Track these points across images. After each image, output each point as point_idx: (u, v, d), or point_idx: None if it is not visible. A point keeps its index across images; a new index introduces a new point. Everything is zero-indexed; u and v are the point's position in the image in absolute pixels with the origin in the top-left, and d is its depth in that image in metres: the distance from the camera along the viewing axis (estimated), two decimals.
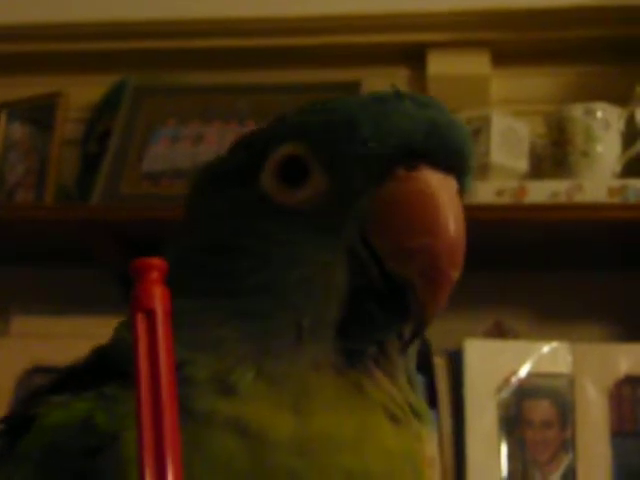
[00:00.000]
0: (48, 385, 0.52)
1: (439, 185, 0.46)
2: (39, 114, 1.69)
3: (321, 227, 0.48)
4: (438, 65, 1.62)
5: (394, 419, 0.48)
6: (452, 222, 0.46)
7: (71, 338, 1.50)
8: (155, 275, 0.39)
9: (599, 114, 1.44)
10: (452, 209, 0.46)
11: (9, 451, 0.48)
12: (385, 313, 0.47)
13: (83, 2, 1.74)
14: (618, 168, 1.45)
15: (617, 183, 1.39)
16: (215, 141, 1.57)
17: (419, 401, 0.51)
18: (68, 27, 1.71)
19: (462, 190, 0.49)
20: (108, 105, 1.69)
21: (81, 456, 0.44)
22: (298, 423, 0.45)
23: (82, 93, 1.72)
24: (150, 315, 0.39)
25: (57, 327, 1.52)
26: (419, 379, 0.53)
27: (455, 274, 0.46)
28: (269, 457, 0.44)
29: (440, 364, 1.33)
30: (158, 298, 0.39)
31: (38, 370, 1.48)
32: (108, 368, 0.48)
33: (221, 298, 0.48)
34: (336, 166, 0.48)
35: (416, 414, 0.50)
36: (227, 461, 0.44)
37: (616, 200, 1.36)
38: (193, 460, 0.41)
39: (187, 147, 1.57)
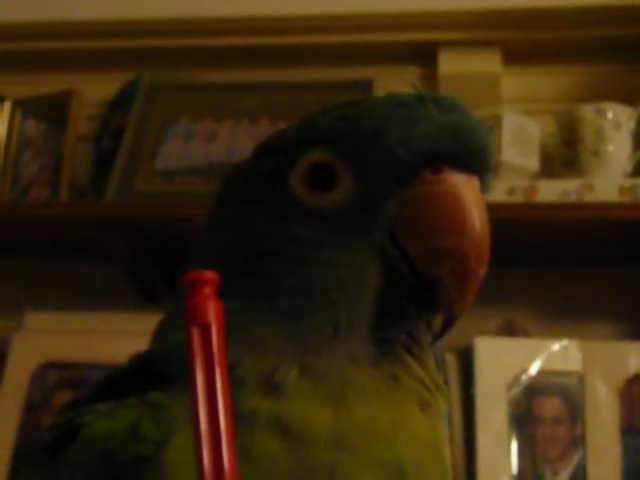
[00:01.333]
0: (90, 393, 0.52)
1: (464, 187, 0.48)
2: (53, 111, 1.70)
3: (351, 229, 0.49)
4: (449, 64, 1.63)
5: (425, 406, 0.50)
6: (478, 222, 0.47)
7: (85, 334, 1.51)
8: (208, 289, 0.40)
9: (610, 114, 1.44)
10: (477, 209, 0.48)
11: (53, 459, 0.49)
12: (415, 306, 0.49)
13: (97, 1, 1.76)
14: (629, 168, 1.46)
15: (627, 182, 1.40)
16: (227, 139, 1.58)
17: (442, 381, 0.53)
18: (82, 25, 1.73)
19: (484, 188, 0.50)
20: (121, 102, 1.70)
21: (130, 465, 0.45)
22: (338, 417, 0.47)
23: (96, 90, 1.73)
24: (205, 329, 0.39)
25: (71, 323, 1.53)
26: None
27: (482, 271, 0.48)
28: (310, 453, 0.45)
29: (451, 362, 1.34)
30: (212, 312, 0.40)
31: (52, 365, 1.49)
32: (149, 374, 0.49)
33: (259, 300, 0.49)
34: (365, 171, 0.50)
35: (442, 392, 0.52)
36: (270, 459, 0.45)
37: (626, 199, 1.37)
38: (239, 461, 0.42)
39: (200, 145, 1.58)
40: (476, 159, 0.49)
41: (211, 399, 0.38)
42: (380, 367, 0.49)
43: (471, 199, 0.48)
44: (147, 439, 0.46)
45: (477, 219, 0.47)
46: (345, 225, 0.49)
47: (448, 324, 0.50)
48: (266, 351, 0.48)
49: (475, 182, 0.49)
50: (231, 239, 0.52)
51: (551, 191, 1.39)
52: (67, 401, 0.54)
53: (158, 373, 0.49)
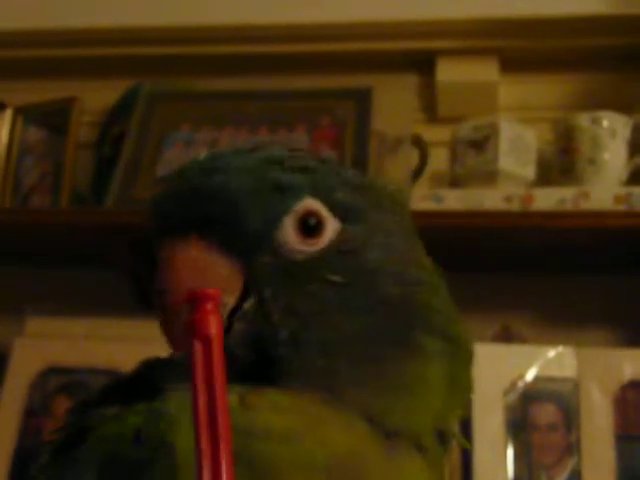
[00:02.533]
0: (96, 396, 0.55)
1: (174, 251, 0.52)
2: (54, 119, 1.71)
3: None
4: (447, 72, 1.64)
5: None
6: (175, 279, 0.51)
7: (85, 339, 1.53)
8: (210, 305, 0.44)
9: (605, 122, 1.45)
10: (182, 267, 0.51)
11: (61, 460, 0.51)
12: None
13: (98, 8, 1.77)
14: (624, 176, 1.47)
15: (623, 191, 1.41)
16: (227, 146, 1.59)
17: None
18: (83, 33, 1.74)
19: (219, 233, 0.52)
20: (122, 109, 1.71)
21: (136, 467, 0.46)
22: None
23: (96, 98, 1.74)
24: (207, 342, 0.43)
25: (71, 328, 1.55)
26: None
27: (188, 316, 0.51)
28: None
29: None
30: (214, 326, 0.44)
31: (52, 370, 1.50)
32: (155, 380, 0.51)
33: None
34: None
35: None
36: None
37: (622, 207, 1.38)
38: None
39: (200, 152, 1.58)
40: (187, 221, 0.52)
41: (211, 403, 0.41)
42: None
43: (176, 261, 0.51)
44: (151, 443, 0.47)
45: (176, 277, 0.51)
46: None
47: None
48: None
49: (188, 242, 0.52)
50: None
51: (547, 199, 1.40)
52: (75, 403, 0.56)
53: (163, 379, 0.51)
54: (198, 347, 0.43)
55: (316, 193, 0.53)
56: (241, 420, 0.46)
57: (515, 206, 1.40)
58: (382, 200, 0.56)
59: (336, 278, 0.52)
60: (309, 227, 0.52)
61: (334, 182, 0.54)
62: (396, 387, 0.52)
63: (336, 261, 0.52)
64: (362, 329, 0.51)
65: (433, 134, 1.61)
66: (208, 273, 0.51)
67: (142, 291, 1.59)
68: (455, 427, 0.57)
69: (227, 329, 0.50)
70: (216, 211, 0.52)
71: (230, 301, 0.51)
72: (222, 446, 0.40)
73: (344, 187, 0.54)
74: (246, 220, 0.51)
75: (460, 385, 0.56)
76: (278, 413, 0.48)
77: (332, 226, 0.53)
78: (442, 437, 0.55)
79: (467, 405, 0.58)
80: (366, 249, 0.53)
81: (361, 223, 0.54)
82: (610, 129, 1.45)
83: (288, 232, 0.52)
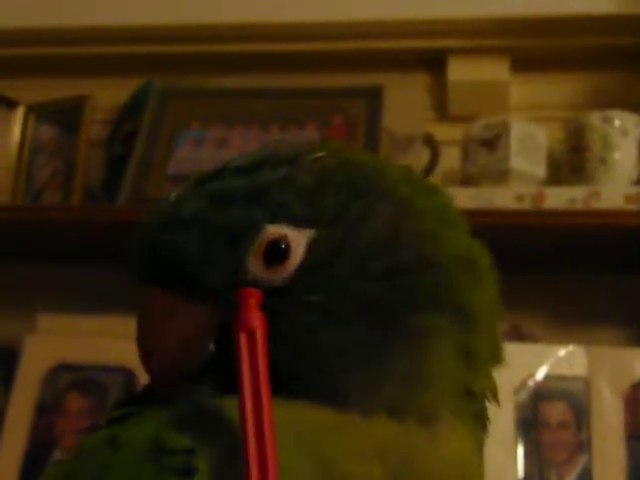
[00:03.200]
0: (130, 395, 0.56)
1: (142, 298, 0.52)
2: (66, 116, 1.71)
3: None
4: (458, 71, 1.64)
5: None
6: (141, 328, 0.52)
7: (97, 336, 1.53)
8: (253, 301, 0.48)
9: (617, 122, 1.45)
10: (146, 318, 0.52)
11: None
12: None
13: (110, 7, 1.78)
14: (635, 175, 1.47)
15: (634, 190, 1.41)
16: (238, 144, 1.59)
17: None
18: (94, 31, 1.75)
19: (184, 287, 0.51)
20: (133, 107, 1.71)
21: (154, 472, 0.46)
22: None
23: (108, 96, 1.75)
24: (251, 334, 0.47)
25: (82, 325, 1.55)
26: None
27: (153, 365, 0.52)
28: None
29: None
30: (257, 320, 0.47)
31: (63, 367, 1.50)
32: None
33: None
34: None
35: None
36: None
37: (633, 207, 1.38)
38: None
39: (211, 150, 1.59)
40: (151, 274, 0.52)
41: (256, 392, 0.45)
42: None
43: (141, 307, 0.52)
44: (166, 448, 0.47)
45: (139, 322, 0.52)
46: None
47: None
48: None
49: (153, 292, 0.52)
50: None
51: (558, 198, 1.40)
52: (120, 398, 0.58)
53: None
54: (244, 339, 0.47)
55: (274, 217, 0.50)
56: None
57: (526, 205, 1.40)
58: (357, 181, 0.52)
59: (314, 298, 0.49)
60: (275, 256, 0.50)
61: (291, 195, 0.51)
62: (406, 377, 0.50)
63: (311, 278, 0.50)
64: (356, 336, 0.49)
65: (444, 133, 1.61)
66: (173, 320, 0.51)
67: None
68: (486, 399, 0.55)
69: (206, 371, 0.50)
70: (174, 269, 0.50)
71: (207, 345, 0.50)
72: (267, 435, 0.44)
73: (304, 195, 0.51)
74: (206, 278, 0.50)
75: (480, 355, 0.53)
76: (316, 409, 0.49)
77: (300, 242, 0.50)
78: (476, 411, 0.54)
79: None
80: (343, 252, 0.50)
81: (333, 223, 0.51)
82: (621, 128, 1.45)
83: (254, 269, 0.50)
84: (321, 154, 0.54)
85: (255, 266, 0.50)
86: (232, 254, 0.50)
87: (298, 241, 0.50)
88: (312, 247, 0.50)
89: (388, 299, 0.50)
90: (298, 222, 0.50)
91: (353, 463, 0.47)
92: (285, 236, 0.50)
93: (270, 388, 0.45)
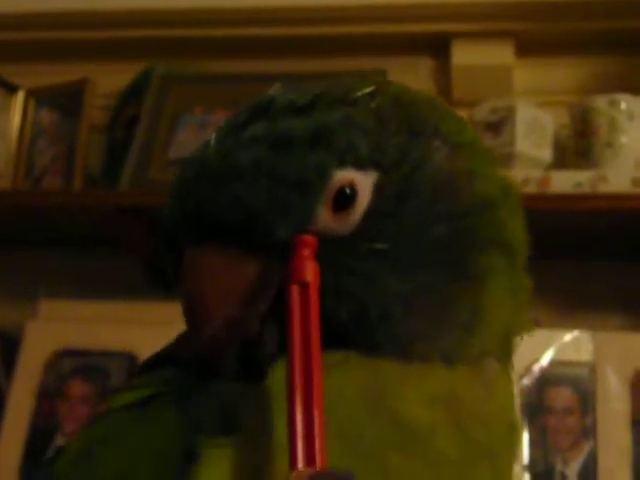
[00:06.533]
0: (140, 367, 0.55)
1: (192, 258, 0.49)
2: (67, 101, 1.70)
3: None
4: (462, 55, 1.63)
5: None
6: (194, 287, 0.48)
7: (99, 322, 1.53)
8: (307, 251, 0.45)
9: (623, 105, 1.44)
10: (197, 274, 0.48)
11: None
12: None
13: None
14: None
15: None
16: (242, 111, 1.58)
17: None
18: (96, 15, 1.73)
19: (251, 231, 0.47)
20: (134, 92, 1.70)
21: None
22: None
23: (109, 80, 1.74)
24: (304, 286, 0.44)
25: (85, 311, 1.55)
26: None
27: (209, 330, 0.48)
28: None
29: None
30: (310, 272, 0.44)
31: (66, 353, 1.50)
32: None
33: None
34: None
35: None
36: None
37: (639, 190, 1.37)
38: None
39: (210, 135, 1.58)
40: (206, 230, 0.48)
41: (306, 347, 0.43)
42: None
43: (192, 269, 0.48)
44: (151, 411, 0.48)
45: (192, 285, 0.48)
46: None
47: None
48: None
49: (208, 250, 0.48)
50: None
51: (564, 182, 1.39)
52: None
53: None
54: (295, 291, 0.44)
55: (342, 161, 0.47)
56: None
57: (532, 189, 1.39)
58: (411, 119, 0.50)
59: (381, 245, 0.47)
60: (343, 203, 0.47)
61: (357, 137, 0.48)
62: (466, 323, 0.49)
63: (378, 225, 0.47)
64: (421, 284, 0.47)
65: None
66: (233, 277, 0.47)
67: (158, 273, 1.59)
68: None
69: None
70: (236, 224, 0.47)
71: (266, 300, 0.47)
72: (315, 389, 0.42)
73: (369, 136, 0.48)
74: (276, 231, 0.46)
75: (521, 293, 0.53)
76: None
77: (367, 187, 0.48)
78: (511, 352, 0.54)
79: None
80: (408, 195, 0.48)
81: (395, 165, 0.48)
82: (628, 112, 1.44)
83: (323, 218, 0.47)
84: (370, 89, 0.51)
85: (323, 215, 0.47)
86: (302, 203, 0.47)
87: (364, 186, 0.48)
88: (378, 192, 0.48)
89: (452, 242, 0.49)
90: (364, 165, 0.48)
91: (419, 410, 0.46)
92: (353, 181, 0.48)
93: (321, 345, 0.43)
